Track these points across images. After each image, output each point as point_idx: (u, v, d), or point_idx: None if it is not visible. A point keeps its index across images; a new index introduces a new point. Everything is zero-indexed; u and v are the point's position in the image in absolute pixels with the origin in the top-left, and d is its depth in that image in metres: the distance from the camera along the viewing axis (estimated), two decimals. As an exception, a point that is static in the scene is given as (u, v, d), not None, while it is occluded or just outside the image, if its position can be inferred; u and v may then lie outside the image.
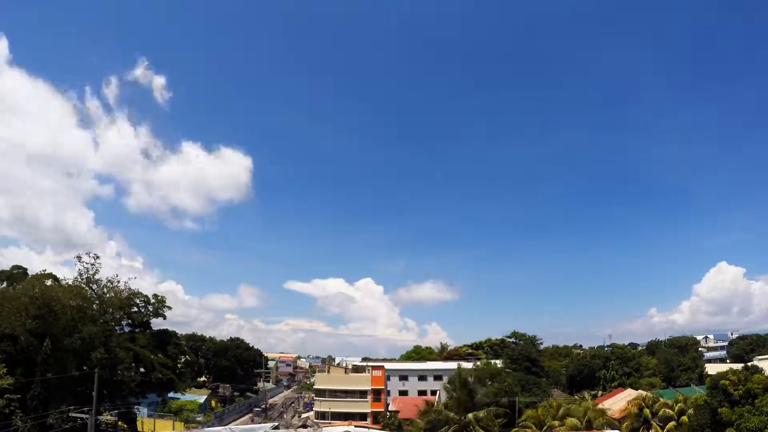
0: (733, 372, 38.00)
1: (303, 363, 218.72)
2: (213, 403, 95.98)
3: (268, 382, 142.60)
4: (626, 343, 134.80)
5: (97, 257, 49.94)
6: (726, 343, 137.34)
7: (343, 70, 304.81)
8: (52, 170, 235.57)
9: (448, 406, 51.99)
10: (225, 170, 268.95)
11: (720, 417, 35.70)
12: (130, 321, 64.63)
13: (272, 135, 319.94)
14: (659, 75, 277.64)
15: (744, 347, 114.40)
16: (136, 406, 61.02)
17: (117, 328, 59.05)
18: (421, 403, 58.10)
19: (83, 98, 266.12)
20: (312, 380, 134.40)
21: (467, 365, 66.30)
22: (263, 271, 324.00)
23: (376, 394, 74.73)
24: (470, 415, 48.91)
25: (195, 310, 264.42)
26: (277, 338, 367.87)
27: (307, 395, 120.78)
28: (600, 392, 77.32)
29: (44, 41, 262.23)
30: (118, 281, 53.07)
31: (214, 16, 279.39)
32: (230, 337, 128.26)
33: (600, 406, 53.79)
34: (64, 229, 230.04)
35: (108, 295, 51.76)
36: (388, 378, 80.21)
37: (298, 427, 55.90)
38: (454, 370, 63.62)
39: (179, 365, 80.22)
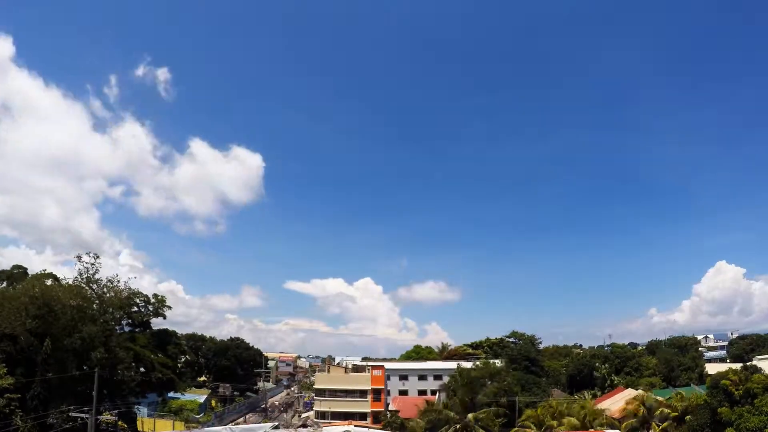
0: (734, 372, 38.03)
1: (303, 363, 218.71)
2: (213, 402, 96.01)
3: (268, 381, 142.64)
4: (626, 343, 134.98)
5: (97, 257, 49.98)
6: (726, 343, 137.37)
7: (343, 70, 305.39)
8: (57, 171, 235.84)
9: (449, 406, 52.07)
10: (233, 170, 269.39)
11: (720, 417, 35.74)
12: (130, 321, 64.61)
13: (273, 135, 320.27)
14: (659, 75, 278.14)
15: (744, 347, 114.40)
16: (136, 406, 60.99)
17: (117, 327, 59.01)
18: (421, 403, 58.23)
19: (89, 99, 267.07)
20: (312, 380, 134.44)
21: (467, 365, 66.33)
22: (263, 271, 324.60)
23: (376, 394, 74.78)
24: (470, 415, 49.03)
25: (195, 310, 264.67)
26: (277, 338, 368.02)
27: (307, 395, 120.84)
28: (600, 392, 77.38)
29: (48, 42, 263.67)
30: (118, 281, 53.12)
31: (215, 16, 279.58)
32: (230, 337, 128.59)
33: (599, 406, 53.89)
34: (66, 229, 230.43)
35: (108, 295, 51.72)
36: (388, 378, 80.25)
37: (298, 427, 55.88)
38: (454, 370, 63.71)
39: (179, 365, 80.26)
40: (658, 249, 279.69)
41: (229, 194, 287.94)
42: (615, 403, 58.99)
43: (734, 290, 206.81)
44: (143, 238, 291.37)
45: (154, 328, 71.19)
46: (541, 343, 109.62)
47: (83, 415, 39.11)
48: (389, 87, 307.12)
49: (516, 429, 49.83)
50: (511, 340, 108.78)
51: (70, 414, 39.41)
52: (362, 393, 75.14)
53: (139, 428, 61.87)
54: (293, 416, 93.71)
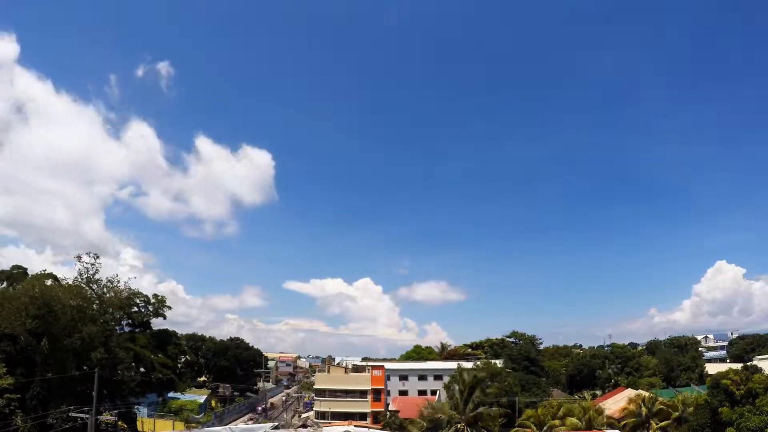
0: (734, 372, 38.04)
1: (303, 363, 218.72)
2: (213, 403, 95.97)
3: (268, 382, 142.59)
4: (626, 343, 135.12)
5: (97, 257, 49.89)
6: (726, 343, 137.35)
7: (343, 70, 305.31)
8: (64, 172, 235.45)
9: (449, 406, 52.00)
10: (243, 170, 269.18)
11: (720, 416, 35.74)
12: (130, 321, 64.56)
13: (274, 135, 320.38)
14: (659, 75, 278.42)
15: (744, 347, 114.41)
16: (136, 406, 60.95)
17: (117, 328, 58.93)
18: (421, 403, 58.16)
19: (94, 99, 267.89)
20: (312, 380, 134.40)
21: (467, 365, 66.33)
22: (263, 271, 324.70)
23: (376, 394, 74.73)
24: (471, 415, 48.96)
25: (196, 310, 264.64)
26: (277, 338, 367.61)
27: (307, 395, 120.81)
28: (600, 392, 77.44)
29: (51, 42, 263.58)
30: (118, 281, 53.07)
31: (215, 15, 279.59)
32: (230, 337, 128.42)
33: (600, 405, 53.84)
34: (72, 230, 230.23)
35: (108, 295, 51.67)
36: (388, 378, 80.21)
37: (298, 427, 55.87)
38: (454, 370, 63.66)
39: (179, 365, 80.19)
40: (658, 249, 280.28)
41: (238, 195, 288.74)
42: (615, 403, 59.00)
43: (734, 290, 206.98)
44: (143, 238, 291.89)
45: (154, 329, 71.16)
46: (541, 343, 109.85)
47: (83, 415, 39.08)
48: (389, 87, 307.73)
49: (516, 429, 49.83)
50: (512, 340, 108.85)
51: (69, 414, 39.37)
52: (362, 393, 75.09)
53: (139, 428, 61.83)
54: (293, 416, 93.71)
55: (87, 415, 38.93)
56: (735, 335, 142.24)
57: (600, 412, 48.77)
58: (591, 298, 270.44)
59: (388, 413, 71.73)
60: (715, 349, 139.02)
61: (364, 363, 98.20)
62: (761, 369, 40.48)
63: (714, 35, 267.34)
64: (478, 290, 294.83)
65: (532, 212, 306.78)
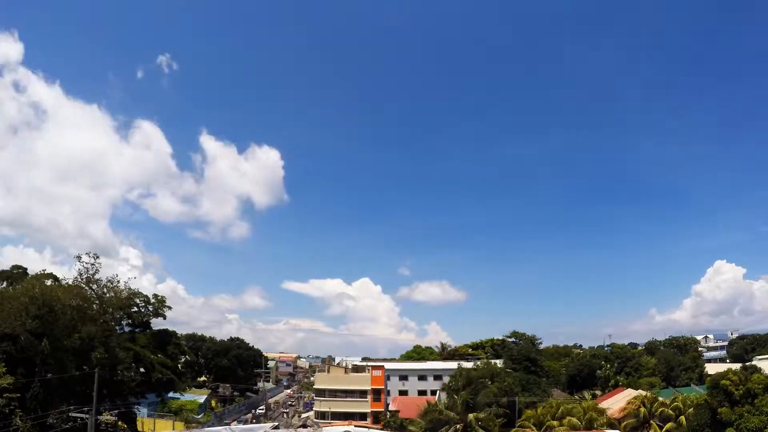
0: (733, 372, 38.05)
1: (303, 363, 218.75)
2: (213, 403, 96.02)
3: (268, 382, 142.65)
4: (626, 343, 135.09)
5: (97, 257, 49.95)
6: (726, 343, 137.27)
7: (342, 70, 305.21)
8: (72, 174, 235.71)
9: (449, 406, 52.03)
10: (248, 170, 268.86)
11: (720, 417, 35.76)
12: (130, 321, 64.59)
13: (274, 134, 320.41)
14: (659, 75, 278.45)
15: (744, 347, 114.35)
16: (136, 406, 60.99)
17: (117, 328, 59.01)
18: (421, 403, 58.20)
19: (99, 100, 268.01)
20: (312, 380, 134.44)
21: (467, 365, 66.37)
22: (264, 271, 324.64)
23: (376, 394, 74.78)
24: (471, 415, 48.99)
25: (196, 310, 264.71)
26: (277, 338, 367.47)
27: (307, 395, 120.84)
28: (600, 392, 77.41)
29: (53, 43, 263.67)
30: (118, 281, 53.13)
31: (216, 15, 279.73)
32: (230, 337, 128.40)
33: (600, 406, 53.85)
34: (74, 231, 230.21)
35: (108, 295, 51.73)
36: (388, 378, 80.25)
37: (298, 427, 55.92)
38: (454, 370, 63.74)
39: (179, 365, 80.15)
40: (658, 249, 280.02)
41: (243, 196, 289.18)
42: (615, 403, 58.99)
43: (735, 290, 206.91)
44: (146, 238, 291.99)
45: (154, 329, 71.19)
46: (541, 343, 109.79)
47: (83, 416, 39.11)
48: (388, 87, 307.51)
49: (516, 429, 49.82)
50: (512, 340, 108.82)
51: (70, 414, 39.40)
52: (362, 393, 75.15)
53: (139, 428, 61.85)
54: (293, 416, 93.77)
55: (87, 415, 38.95)
56: (735, 335, 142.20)
57: (600, 412, 48.78)
58: (591, 298, 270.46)
59: (388, 413, 71.83)
60: (715, 349, 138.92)
61: (364, 363, 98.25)
62: (761, 369, 40.52)
63: (712, 34, 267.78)
64: (478, 290, 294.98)
65: (532, 212, 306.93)
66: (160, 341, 71.21)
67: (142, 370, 58.92)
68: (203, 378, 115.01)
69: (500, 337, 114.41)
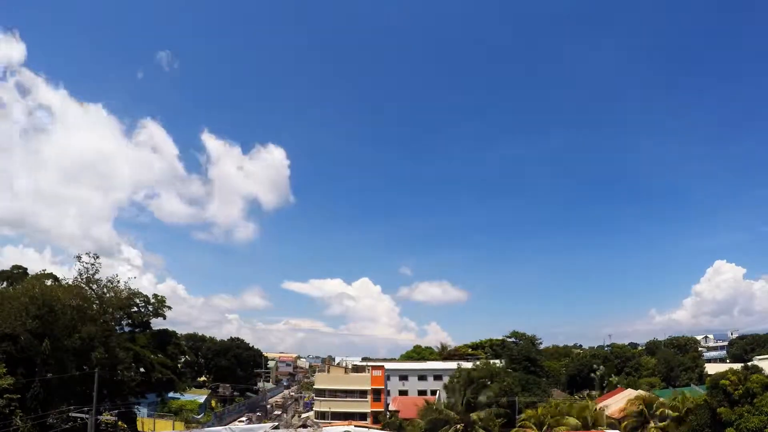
0: (733, 372, 38.06)
1: (303, 363, 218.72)
2: (213, 403, 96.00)
3: (268, 382, 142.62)
4: (626, 343, 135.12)
5: (97, 257, 50.02)
6: (726, 343, 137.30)
7: (342, 70, 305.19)
8: (77, 176, 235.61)
9: (449, 406, 52.05)
10: (253, 170, 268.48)
11: (720, 417, 35.79)
12: (130, 321, 64.63)
13: (274, 135, 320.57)
14: (659, 75, 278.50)
15: (744, 347, 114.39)
16: (136, 406, 61.00)
17: (117, 328, 59.04)
18: (421, 403, 58.19)
19: (104, 102, 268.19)
20: (312, 380, 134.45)
21: (467, 365, 66.38)
22: (264, 271, 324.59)
23: (376, 394, 74.79)
24: (471, 415, 49.00)
25: (196, 310, 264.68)
26: (277, 338, 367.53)
27: (307, 395, 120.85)
28: (599, 392, 77.44)
29: (55, 44, 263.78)
30: (118, 281, 53.18)
31: (216, 14, 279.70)
32: (230, 337, 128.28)
33: (599, 406, 53.87)
34: (79, 233, 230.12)
35: (108, 295, 51.79)
36: (388, 378, 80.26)
37: (298, 427, 55.93)
38: (454, 370, 63.72)
39: (179, 365, 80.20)
40: (658, 249, 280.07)
41: (248, 197, 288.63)
42: (615, 403, 58.99)
43: (735, 290, 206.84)
44: (147, 238, 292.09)
45: (154, 329, 71.23)
46: (541, 343, 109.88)
47: (83, 416, 39.12)
48: (389, 86, 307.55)
49: (516, 429, 49.84)
50: (512, 340, 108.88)
51: (70, 414, 39.42)
52: (362, 393, 75.15)
53: (139, 428, 61.86)
54: (293, 416, 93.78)
55: (87, 415, 38.98)
56: (735, 335, 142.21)
57: (600, 412, 48.80)
58: (591, 298, 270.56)
59: (388, 413, 71.85)
60: (715, 349, 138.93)
61: (364, 363, 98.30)
62: (761, 369, 40.51)
63: (712, 34, 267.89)
64: (478, 290, 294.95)
65: (532, 212, 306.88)
66: (160, 341, 71.24)
67: (142, 370, 58.94)
68: (203, 378, 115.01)
69: (499, 338, 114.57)
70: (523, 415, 51.03)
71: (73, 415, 39.28)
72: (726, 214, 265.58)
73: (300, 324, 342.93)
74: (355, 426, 54.29)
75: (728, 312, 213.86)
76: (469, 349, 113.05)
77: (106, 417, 43.95)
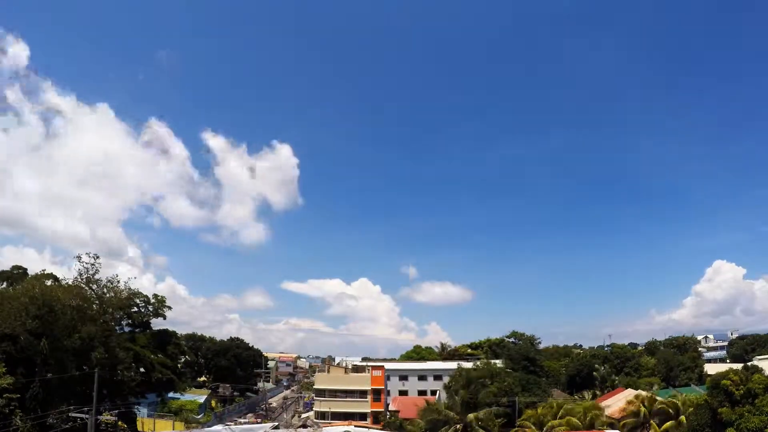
0: (734, 372, 38.02)
1: (303, 363, 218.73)
2: (213, 403, 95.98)
3: (268, 382, 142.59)
4: (626, 343, 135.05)
5: (97, 257, 49.99)
6: (726, 343, 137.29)
7: (342, 70, 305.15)
8: (80, 177, 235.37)
9: (449, 406, 52.01)
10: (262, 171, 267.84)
11: (720, 417, 35.74)
12: (130, 321, 64.63)
13: (273, 135, 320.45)
14: (659, 75, 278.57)
15: (744, 347, 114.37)
16: (136, 406, 60.98)
17: (117, 328, 59.04)
18: (421, 403, 58.15)
19: (108, 103, 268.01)
20: (312, 380, 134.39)
21: (467, 365, 66.36)
22: (266, 271, 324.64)
23: (376, 394, 74.73)
24: (470, 415, 48.95)
25: (196, 310, 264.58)
26: (277, 338, 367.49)
27: (307, 395, 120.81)
28: (600, 392, 77.41)
29: (57, 47, 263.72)
30: (118, 281, 53.16)
31: (217, 14, 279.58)
32: (230, 337, 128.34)
33: (599, 406, 53.80)
34: (86, 235, 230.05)
35: (108, 295, 51.76)
36: (388, 378, 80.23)
37: (298, 427, 55.93)
38: (454, 370, 63.72)
39: (179, 365, 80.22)
40: (658, 249, 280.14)
41: (254, 198, 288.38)
42: (615, 403, 58.96)
43: (735, 290, 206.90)
44: (148, 239, 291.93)
45: (154, 329, 71.23)
46: (540, 343, 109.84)
47: (83, 416, 39.09)
48: (389, 86, 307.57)
49: (516, 429, 49.83)
50: (512, 340, 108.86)
51: (69, 414, 39.39)
52: (362, 393, 75.09)
53: (139, 428, 61.82)
54: (293, 416, 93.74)
55: (87, 415, 38.94)
56: (735, 335, 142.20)
57: (600, 412, 48.77)
58: (591, 298, 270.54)
59: (388, 413, 71.83)
60: (715, 349, 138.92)
61: (364, 363, 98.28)
62: (761, 369, 40.48)
63: (712, 34, 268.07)
64: (477, 290, 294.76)
65: (532, 212, 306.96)
66: (160, 341, 71.27)
67: (142, 370, 58.96)
68: (203, 378, 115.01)
69: (498, 337, 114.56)
70: (523, 415, 51.03)
71: (73, 415, 39.25)
72: (726, 214, 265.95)
73: (300, 324, 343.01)
74: (355, 426, 54.26)
75: (728, 312, 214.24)
76: (469, 349, 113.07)
77: (106, 417, 43.92)
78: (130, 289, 56.00)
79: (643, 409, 47.41)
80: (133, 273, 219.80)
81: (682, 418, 43.76)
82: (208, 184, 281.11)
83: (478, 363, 68.19)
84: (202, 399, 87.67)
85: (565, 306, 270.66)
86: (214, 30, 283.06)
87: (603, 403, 58.05)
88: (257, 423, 70.99)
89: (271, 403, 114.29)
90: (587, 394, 73.05)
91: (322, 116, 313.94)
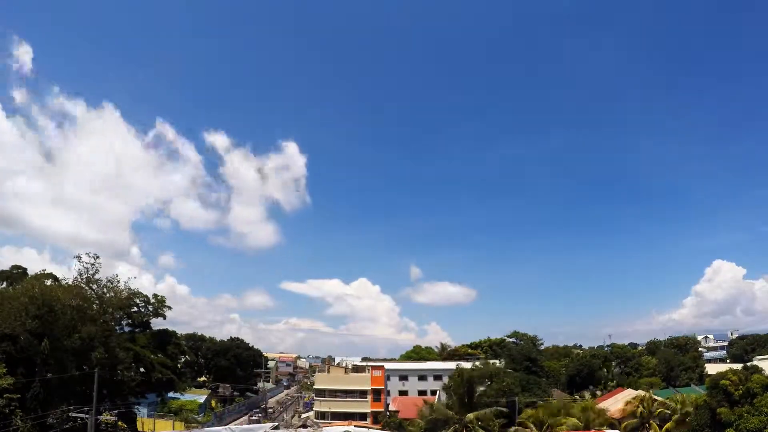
0: (733, 372, 38.05)
1: (303, 363, 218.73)
2: (213, 403, 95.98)
3: (268, 382, 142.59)
4: (626, 343, 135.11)
5: (97, 257, 49.98)
6: (726, 343, 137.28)
7: (342, 70, 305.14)
8: (89, 181, 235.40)
9: (449, 406, 52.00)
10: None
11: (720, 417, 35.78)
12: (130, 321, 64.62)
13: (273, 135, 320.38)
14: (659, 75, 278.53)
15: (744, 347, 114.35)
16: (136, 406, 61.00)
17: (117, 328, 59.03)
18: (421, 403, 58.15)
19: (112, 104, 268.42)
20: (312, 380, 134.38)
21: (467, 365, 66.32)
22: (268, 272, 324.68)
23: (376, 394, 74.72)
24: (470, 415, 48.93)
25: (197, 310, 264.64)
26: (277, 338, 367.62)
27: (307, 395, 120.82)
28: (600, 392, 77.44)
29: (59, 51, 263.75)
30: (118, 281, 53.16)
31: (218, 14, 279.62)
32: (230, 337, 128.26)
33: (599, 406, 53.84)
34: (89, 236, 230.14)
35: (108, 295, 51.75)
36: (388, 378, 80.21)
37: (298, 427, 55.86)
38: (453, 370, 63.63)
39: (179, 365, 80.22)
40: (658, 249, 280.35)
41: (260, 199, 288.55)
42: (615, 403, 58.97)
43: (735, 290, 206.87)
44: (150, 239, 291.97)
45: (154, 328, 71.23)
46: (542, 343, 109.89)
47: (83, 416, 39.12)
48: (389, 86, 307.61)
49: (516, 429, 49.81)
50: (512, 340, 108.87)
51: (70, 414, 39.41)
52: (362, 393, 75.09)
53: (139, 428, 61.85)
54: (293, 416, 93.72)
55: (87, 415, 38.98)
56: (735, 335, 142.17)
57: (600, 412, 48.77)
58: (591, 298, 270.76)
59: (388, 413, 71.82)
60: (715, 349, 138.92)
61: (364, 363, 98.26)
62: (761, 369, 40.49)
63: (712, 34, 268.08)
64: (478, 290, 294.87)
65: (532, 212, 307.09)
66: (160, 341, 71.26)
67: (142, 370, 58.94)
68: (203, 378, 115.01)
69: (498, 337, 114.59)
70: (523, 415, 51.02)
71: (73, 415, 39.28)
72: (726, 214, 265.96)
73: (300, 324, 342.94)
74: (355, 426, 54.21)
75: (728, 312, 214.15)
76: (469, 349, 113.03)
77: (106, 417, 43.95)
78: (130, 289, 56.01)
79: (642, 409, 47.44)
80: (138, 274, 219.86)
81: (686, 417, 43.78)
82: (216, 185, 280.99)
83: (478, 363, 68.16)
84: (202, 399, 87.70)
85: (565, 306, 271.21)
86: (214, 30, 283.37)
87: (603, 403, 58.08)
88: (254, 423, 71.00)
89: (267, 404, 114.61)
90: (587, 394, 73.02)
91: (322, 116, 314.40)
